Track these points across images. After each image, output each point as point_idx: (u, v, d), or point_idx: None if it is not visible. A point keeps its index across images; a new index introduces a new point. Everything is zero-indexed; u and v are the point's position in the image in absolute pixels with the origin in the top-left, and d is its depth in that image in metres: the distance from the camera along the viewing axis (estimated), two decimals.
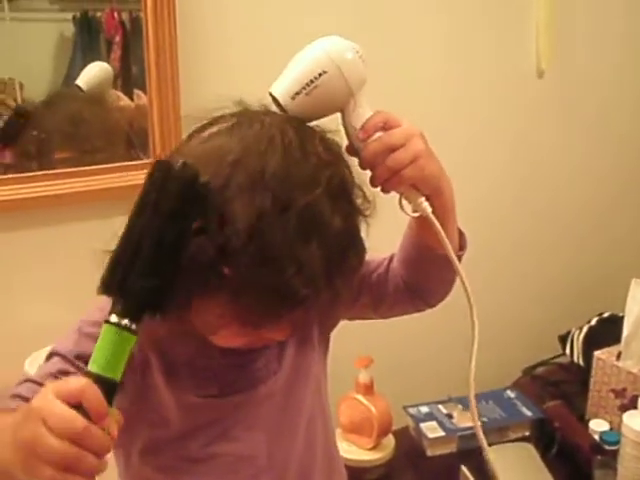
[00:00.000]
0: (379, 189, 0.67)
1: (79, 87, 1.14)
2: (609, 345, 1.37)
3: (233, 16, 1.22)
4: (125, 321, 0.53)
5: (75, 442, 0.48)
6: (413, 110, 1.42)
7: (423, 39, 1.41)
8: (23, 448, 0.50)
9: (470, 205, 1.50)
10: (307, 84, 0.64)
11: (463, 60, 1.47)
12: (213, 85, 1.17)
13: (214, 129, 0.63)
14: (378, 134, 0.66)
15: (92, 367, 0.53)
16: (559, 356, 1.60)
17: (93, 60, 1.16)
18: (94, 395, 0.49)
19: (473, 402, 0.77)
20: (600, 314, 1.60)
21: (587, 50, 1.63)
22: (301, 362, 0.76)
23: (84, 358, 0.64)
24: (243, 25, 1.23)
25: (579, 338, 1.57)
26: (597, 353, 1.35)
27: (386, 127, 0.66)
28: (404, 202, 0.69)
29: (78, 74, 1.14)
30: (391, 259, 0.79)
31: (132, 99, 1.18)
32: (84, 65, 1.15)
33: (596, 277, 1.77)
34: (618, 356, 1.31)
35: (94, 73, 1.16)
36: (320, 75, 0.63)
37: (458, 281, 1.41)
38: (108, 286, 0.54)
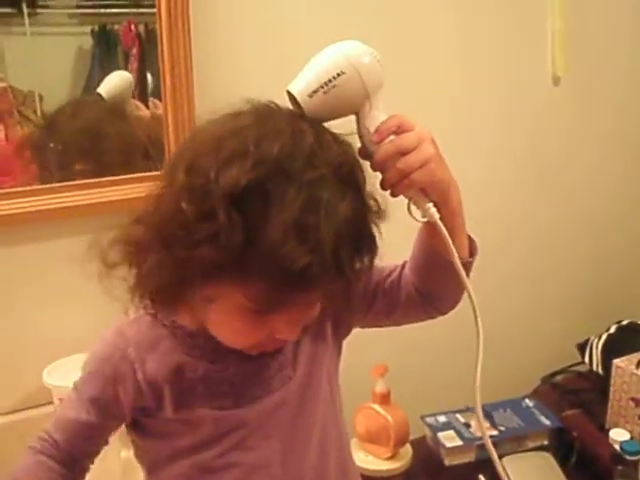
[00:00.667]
0: (388, 194, 0.67)
1: (100, 95, 1.15)
2: (628, 353, 1.36)
3: (247, 27, 1.22)
4: None
5: None
6: (426, 116, 1.42)
7: (437, 45, 1.41)
8: None
9: (484, 211, 1.51)
10: (325, 83, 0.65)
11: (478, 66, 1.47)
12: (227, 95, 1.18)
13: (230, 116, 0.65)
14: (391, 137, 0.67)
15: None
16: (578, 364, 1.59)
17: (111, 72, 1.17)
18: None
19: (479, 411, 0.78)
20: (619, 322, 1.59)
21: (602, 57, 1.62)
22: (314, 369, 0.76)
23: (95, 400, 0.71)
24: (257, 36, 1.23)
25: (598, 346, 1.55)
26: (616, 361, 1.34)
27: (399, 131, 0.67)
28: (412, 207, 0.69)
29: (96, 86, 1.15)
30: (404, 266, 0.79)
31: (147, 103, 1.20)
32: (102, 77, 1.16)
33: (615, 285, 1.76)
34: (638, 364, 1.30)
35: (115, 82, 1.17)
36: (339, 75, 0.65)
37: (473, 290, 1.40)
38: None
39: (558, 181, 1.64)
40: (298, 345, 0.75)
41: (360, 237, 0.63)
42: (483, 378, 1.61)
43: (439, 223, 0.69)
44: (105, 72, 1.17)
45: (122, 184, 1.13)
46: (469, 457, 1.27)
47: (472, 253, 0.76)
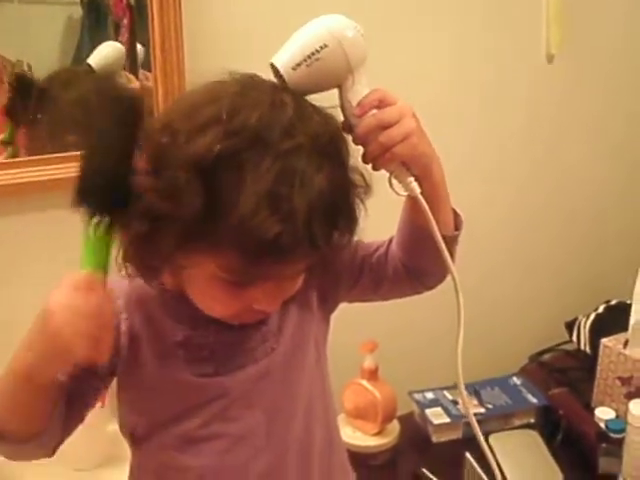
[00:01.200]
0: (370, 167, 0.68)
1: (90, 66, 1.13)
2: (616, 333, 1.37)
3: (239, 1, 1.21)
4: (94, 221, 0.61)
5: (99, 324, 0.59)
6: (416, 94, 1.41)
7: (428, 20, 1.40)
8: (51, 339, 0.59)
9: (477, 191, 1.51)
10: (308, 56, 0.65)
11: (470, 43, 1.46)
12: (218, 67, 1.17)
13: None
14: (373, 111, 0.67)
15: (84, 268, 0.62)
16: (566, 343, 1.60)
17: (101, 42, 1.15)
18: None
19: (462, 388, 0.79)
20: (607, 301, 1.60)
21: (596, 35, 1.61)
22: (300, 342, 0.76)
23: None
24: (250, 9, 1.22)
25: (586, 325, 1.56)
26: (604, 340, 1.34)
27: (381, 105, 0.67)
28: (394, 181, 0.70)
29: (86, 56, 1.13)
30: (390, 241, 0.80)
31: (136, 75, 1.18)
32: (92, 47, 1.14)
33: (604, 265, 1.77)
34: (625, 344, 1.31)
35: (106, 53, 1.16)
36: (322, 48, 0.65)
37: (464, 266, 1.40)
38: (75, 199, 0.61)
39: (550, 161, 1.64)
40: (283, 317, 0.74)
41: (337, 210, 0.63)
42: (472, 357, 1.62)
43: (420, 197, 0.69)
44: (95, 43, 1.15)
45: None
46: (456, 434, 1.28)
47: (457, 227, 0.76)
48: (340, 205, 0.63)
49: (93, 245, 0.63)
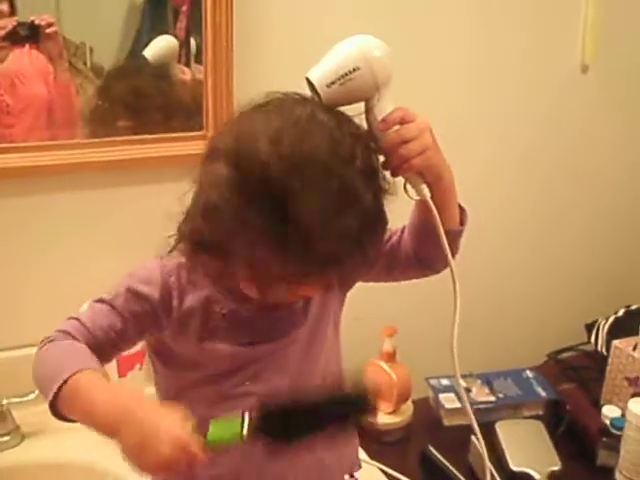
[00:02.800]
0: (389, 174, 0.77)
1: (145, 58, 1.20)
2: (632, 336, 1.42)
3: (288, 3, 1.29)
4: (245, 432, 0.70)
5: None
6: (449, 100, 1.49)
7: (465, 28, 1.45)
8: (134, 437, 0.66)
9: (502, 195, 1.57)
10: (342, 76, 0.74)
11: (505, 52, 1.51)
12: (264, 66, 1.25)
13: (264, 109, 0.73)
14: (396, 127, 0.76)
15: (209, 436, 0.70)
16: (584, 344, 1.65)
17: (161, 28, 1.22)
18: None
19: (458, 373, 0.94)
20: (628, 306, 1.64)
21: (632, 47, 1.64)
22: (322, 316, 0.86)
23: (132, 314, 0.78)
24: (299, 10, 1.29)
25: (604, 328, 1.61)
26: (615, 342, 1.40)
27: (403, 122, 0.76)
28: (408, 187, 0.79)
29: (145, 41, 1.20)
30: (403, 231, 0.90)
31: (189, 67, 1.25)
32: (151, 32, 1.20)
33: (627, 269, 1.80)
34: (635, 347, 1.36)
35: (161, 46, 1.22)
36: (354, 70, 0.73)
37: (489, 264, 1.51)
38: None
39: (576, 166, 1.68)
40: (309, 298, 0.85)
41: (379, 220, 0.74)
42: (492, 350, 1.69)
43: (430, 202, 0.80)
44: (154, 28, 1.21)
45: (162, 142, 1.21)
46: (466, 420, 1.35)
47: (462, 222, 0.86)
48: (381, 216, 0.74)
49: (227, 436, 0.71)
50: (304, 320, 0.84)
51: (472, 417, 0.96)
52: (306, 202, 0.66)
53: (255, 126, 0.70)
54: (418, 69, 1.40)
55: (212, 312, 0.81)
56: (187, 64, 1.25)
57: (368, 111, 0.76)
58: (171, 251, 0.78)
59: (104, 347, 0.80)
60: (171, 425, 0.66)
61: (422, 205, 0.83)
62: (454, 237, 0.84)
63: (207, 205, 0.70)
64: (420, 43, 1.40)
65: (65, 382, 0.71)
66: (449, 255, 0.83)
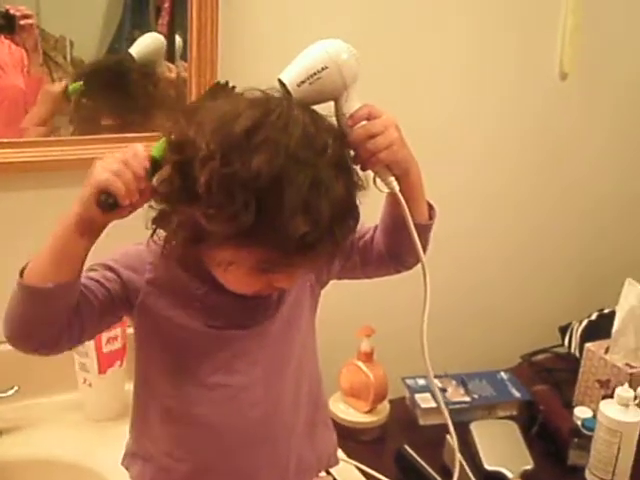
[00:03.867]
0: (359, 168, 0.81)
1: (131, 56, 1.20)
2: (603, 339, 1.45)
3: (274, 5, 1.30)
4: None
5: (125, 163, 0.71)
6: (432, 107, 1.51)
7: (445, 37, 1.47)
8: (87, 178, 0.72)
9: (482, 203, 1.59)
10: (311, 75, 0.78)
11: (484, 60, 1.53)
12: (249, 65, 1.26)
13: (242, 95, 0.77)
14: (363, 122, 0.80)
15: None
16: (558, 346, 1.68)
17: (142, 24, 1.21)
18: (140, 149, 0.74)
19: (431, 373, 0.96)
20: (601, 310, 1.68)
21: (610, 54, 1.67)
22: (295, 310, 0.88)
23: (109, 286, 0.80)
24: (281, 9, 1.30)
25: (578, 330, 1.65)
26: (588, 345, 1.43)
27: (370, 118, 0.80)
28: (378, 180, 0.83)
29: (127, 36, 1.20)
30: (376, 228, 0.93)
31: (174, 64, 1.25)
32: (133, 27, 1.20)
33: (600, 275, 1.84)
34: (606, 350, 1.40)
35: (147, 43, 1.23)
36: (322, 69, 0.78)
37: (466, 269, 1.53)
38: None
39: (556, 176, 1.71)
40: (283, 291, 0.86)
41: (349, 209, 0.77)
42: (469, 352, 1.71)
43: (399, 194, 0.83)
44: (135, 23, 1.21)
45: (144, 140, 1.21)
46: (441, 419, 1.36)
47: (431, 217, 0.90)
48: (352, 205, 0.77)
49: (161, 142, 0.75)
50: (276, 312, 0.86)
51: (445, 412, 1.00)
52: (279, 190, 0.69)
53: (229, 116, 0.72)
54: (403, 75, 1.43)
55: (186, 290, 0.82)
56: (171, 60, 1.26)
57: (337, 110, 0.80)
58: (151, 235, 0.80)
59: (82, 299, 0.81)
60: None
61: (392, 200, 0.87)
62: (423, 231, 0.88)
63: (186, 189, 0.72)
64: (405, 49, 1.42)
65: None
66: (418, 246, 0.86)
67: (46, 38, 1.14)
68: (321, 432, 0.96)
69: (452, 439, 1.00)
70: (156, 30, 1.23)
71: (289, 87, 0.78)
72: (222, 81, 0.83)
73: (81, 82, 1.18)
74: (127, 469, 0.92)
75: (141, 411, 0.90)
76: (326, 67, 0.77)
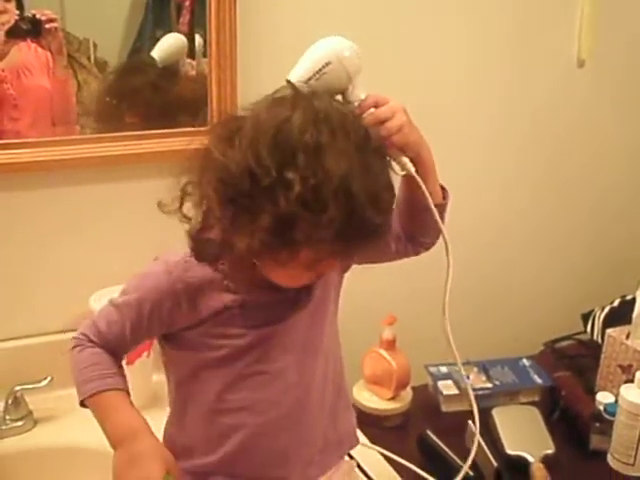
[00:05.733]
0: None
1: (153, 59, 1.23)
2: (626, 325, 1.45)
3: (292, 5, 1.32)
4: None
5: None
6: (448, 94, 1.52)
7: (462, 24, 1.48)
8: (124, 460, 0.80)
9: (498, 185, 1.60)
10: (317, 72, 0.82)
11: (501, 45, 1.54)
12: (268, 59, 1.28)
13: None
14: (371, 110, 0.83)
15: None
16: (581, 333, 1.69)
17: (163, 22, 1.24)
18: None
19: (453, 344, 0.99)
20: (623, 296, 1.67)
21: (628, 42, 1.67)
22: (324, 297, 0.91)
23: (142, 323, 0.85)
24: (299, 6, 1.33)
25: (600, 317, 1.65)
26: (609, 331, 1.44)
27: (377, 105, 0.83)
28: (393, 164, 0.85)
29: (149, 36, 1.22)
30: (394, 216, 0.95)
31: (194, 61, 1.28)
32: (154, 27, 1.23)
33: (623, 260, 1.84)
34: (627, 335, 1.40)
35: (170, 43, 1.25)
36: (326, 64, 0.81)
37: (487, 255, 1.53)
38: None
39: (575, 160, 1.72)
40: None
41: (393, 191, 0.81)
42: (492, 339, 1.72)
43: (415, 174, 0.86)
44: (157, 23, 1.23)
45: (167, 137, 1.24)
46: (464, 406, 1.38)
47: (444, 197, 0.93)
48: (392, 186, 0.81)
49: None
50: (308, 302, 0.89)
51: (470, 392, 1.05)
52: (350, 186, 0.72)
53: (277, 128, 0.74)
54: (415, 65, 1.44)
55: (225, 307, 0.85)
56: (192, 57, 1.28)
57: (345, 101, 0.84)
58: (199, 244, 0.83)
59: (117, 350, 0.89)
60: (150, 467, 0.79)
61: (405, 183, 0.89)
62: (438, 211, 0.91)
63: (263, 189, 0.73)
64: (416, 39, 1.44)
65: (91, 395, 0.85)
66: (440, 223, 0.90)
67: (70, 40, 1.18)
68: (342, 413, 0.99)
69: (475, 424, 1.01)
70: (177, 28, 1.26)
71: (297, 86, 0.81)
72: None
73: None
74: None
75: (175, 404, 0.94)
76: (330, 62, 0.81)
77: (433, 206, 0.88)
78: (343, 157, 0.72)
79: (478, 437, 1.02)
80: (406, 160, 0.85)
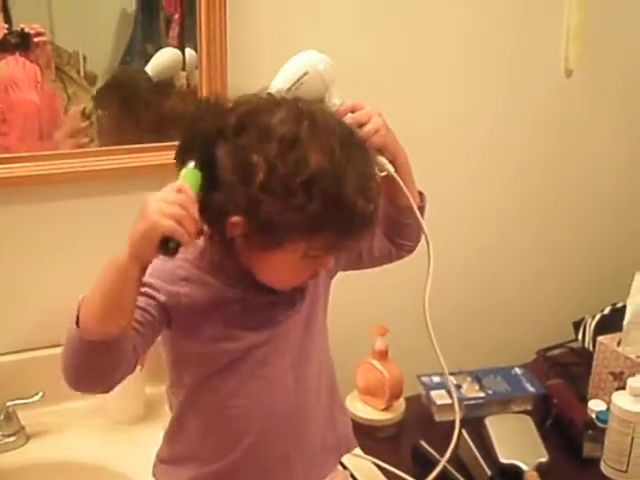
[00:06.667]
0: None
1: (145, 72, 1.23)
2: (617, 332, 1.46)
3: (283, 15, 1.33)
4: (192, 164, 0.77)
5: (182, 206, 0.71)
6: (437, 105, 1.53)
7: (450, 34, 1.49)
8: (144, 221, 0.71)
9: (490, 198, 1.61)
10: (295, 81, 0.88)
11: (489, 56, 1.55)
12: (257, 75, 1.28)
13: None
14: (349, 115, 0.87)
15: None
16: (572, 341, 1.70)
17: (152, 36, 1.24)
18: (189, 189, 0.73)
19: (435, 343, 1.01)
20: (614, 304, 1.68)
21: (615, 51, 1.69)
22: (315, 301, 0.93)
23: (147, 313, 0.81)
24: (287, 18, 1.33)
25: (591, 325, 1.66)
26: (600, 338, 1.45)
27: (354, 110, 0.88)
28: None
29: (139, 49, 1.23)
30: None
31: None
32: (144, 40, 1.23)
33: (614, 268, 1.85)
34: (618, 342, 1.41)
35: (163, 58, 1.26)
36: (304, 74, 0.88)
37: (480, 264, 1.54)
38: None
39: (568, 170, 1.73)
40: (306, 285, 0.91)
41: (379, 184, 0.84)
42: (484, 348, 1.72)
43: (395, 174, 0.91)
44: (146, 36, 1.23)
45: (160, 150, 1.23)
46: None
47: (422, 200, 0.98)
48: (379, 184, 0.84)
49: (191, 173, 0.76)
50: (302, 305, 0.90)
51: (455, 398, 1.07)
52: (339, 179, 0.75)
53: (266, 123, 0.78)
54: (406, 75, 1.45)
55: (223, 297, 0.85)
56: (183, 69, 1.28)
57: None
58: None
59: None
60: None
61: (386, 185, 0.91)
62: (415, 213, 0.94)
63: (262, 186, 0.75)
64: (409, 46, 1.45)
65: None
66: (420, 218, 0.94)
67: (60, 54, 1.18)
68: (338, 416, 1.01)
69: (456, 427, 1.02)
70: (166, 42, 1.26)
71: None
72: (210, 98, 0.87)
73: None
74: (155, 477, 0.96)
75: (177, 414, 0.93)
76: (307, 72, 0.88)
77: (414, 202, 0.92)
78: (325, 152, 0.75)
79: (473, 448, 1.02)
80: (385, 161, 0.90)
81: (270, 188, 0.74)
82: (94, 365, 0.76)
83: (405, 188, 0.92)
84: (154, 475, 0.96)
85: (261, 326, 0.87)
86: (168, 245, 0.71)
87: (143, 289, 0.79)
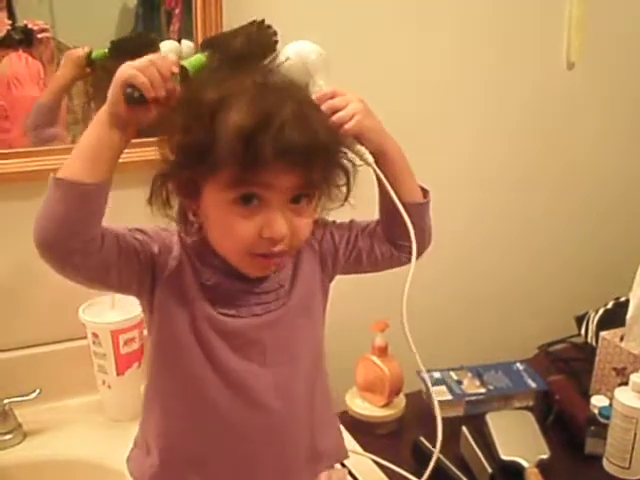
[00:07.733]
0: None
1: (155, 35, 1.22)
2: (620, 327, 1.45)
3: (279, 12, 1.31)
4: None
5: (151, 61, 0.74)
6: (439, 99, 1.52)
7: (451, 26, 1.48)
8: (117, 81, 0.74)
9: (488, 185, 1.60)
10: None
11: (491, 49, 1.54)
12: None
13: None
14: (329, 101, 0.84)
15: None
16: (575, 336, 1.69)
17: (153, 31, 1.23)
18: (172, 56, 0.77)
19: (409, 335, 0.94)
20: (617, 298, 1.67)
21: (618, 44, 1.67)
22: (308, 303, 0.90)
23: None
24: (282, 12, 1.31)
25: (594, 320, 1.65)
26: (603, 333, 1.43)
27: (334, 96, 0.84)
28: (352, 155, 0.86)
29: None
30: (379, 221, 0.95)
31: None
32: None
33: (616, 262, 1.83)
34: (621, 338, 1.40)
35: (165, 51, 1.22)
36: (286, 59, 0.85)
37: (477, 258, 1.53)
38: None
39: (565, 163, 1.71)
40: (294, 282, 0.88)
41: (337, 143, 0.82)
42: (485, 343, 1.71)
43: (374, 165, 0.86)
44: (148, 31, 1.22)
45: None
46: (458, 411, 1.38)
47: (425, 196, 0.92)
48: (329, 140, 0.79)
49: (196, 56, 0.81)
50: (288, 301, 0.87)
51: (433, 396, 1.04)
52: (228, 105, 0.74)
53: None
54: (402, 67, 1.44)
55: (200, 279, 0.84)
56: None
57: None
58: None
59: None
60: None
61: (380, 182, 0.88)
62: (418, 211, 0.90)
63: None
64: (404, 40, 1.43)
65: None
66: (405, 215, 0.87)
67: (62, 49, 1.17)
68: (329, 426, 0.98)
69: (438, 424, 1.00)
70: (167, 36, 1.25)
71: None
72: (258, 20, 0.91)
73: (106, 50, 1.20)
74: (127, 462, 0.94)
75: (149, 400, 0.91)
76: (289, 57, 0.85)
77: (395, 196, 0.87)
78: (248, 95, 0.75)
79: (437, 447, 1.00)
80: (364, 150, 0.86)
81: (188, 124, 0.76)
82: (62, 215, 0.75)
83: (386, 182, 0.87)
84: (127, 460, 0.95)
85: (236, 316, 0.85)
86: (131, 93, 0.74)
87: (142, 236, 0.82)
